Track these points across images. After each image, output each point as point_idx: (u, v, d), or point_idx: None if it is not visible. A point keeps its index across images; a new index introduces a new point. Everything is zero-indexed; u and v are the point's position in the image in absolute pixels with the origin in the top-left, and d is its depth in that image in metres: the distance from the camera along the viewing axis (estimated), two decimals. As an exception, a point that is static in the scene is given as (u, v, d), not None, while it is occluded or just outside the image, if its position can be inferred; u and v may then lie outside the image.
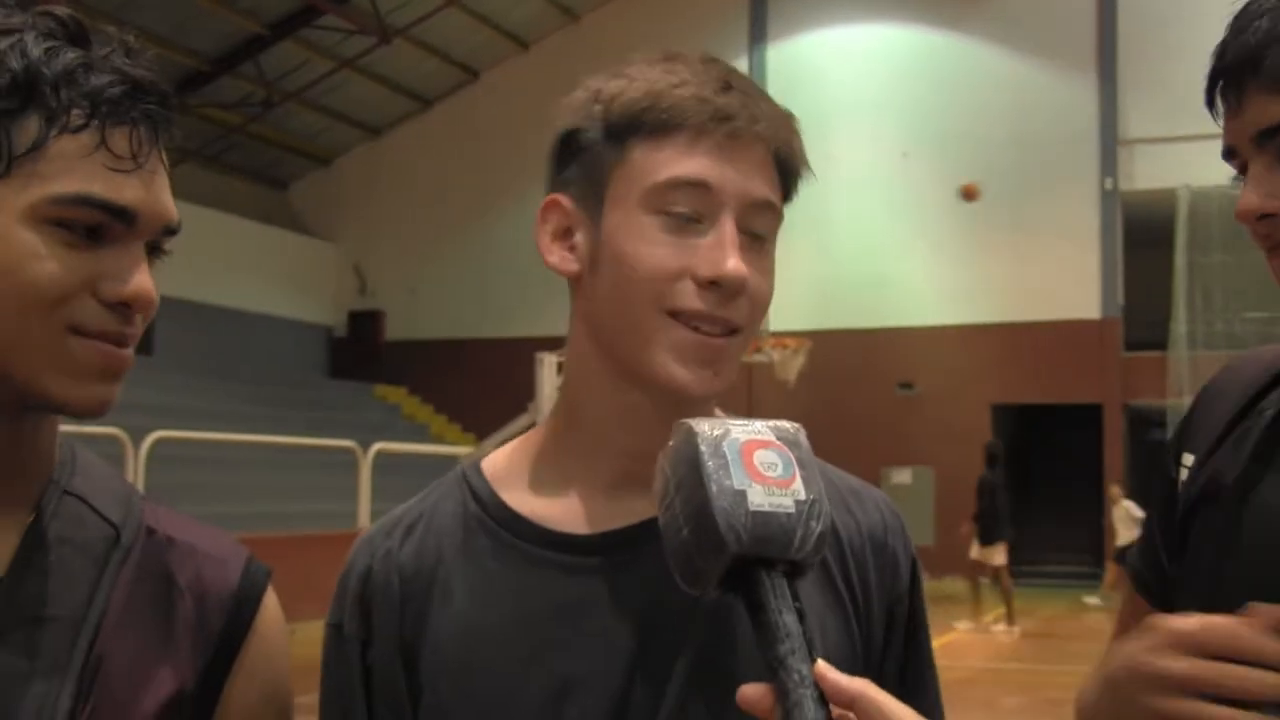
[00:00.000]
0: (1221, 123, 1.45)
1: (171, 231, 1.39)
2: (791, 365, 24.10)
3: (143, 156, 1.33)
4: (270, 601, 1.53)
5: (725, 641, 1.37)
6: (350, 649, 1.48)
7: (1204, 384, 1.64)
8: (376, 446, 18.91)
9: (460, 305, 28.60)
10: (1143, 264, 25.87)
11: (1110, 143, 25.65)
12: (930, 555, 25.60)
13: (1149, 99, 24.85)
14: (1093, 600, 22.51)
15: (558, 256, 1.46)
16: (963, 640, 16.84)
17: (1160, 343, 24.45)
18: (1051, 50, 25.97)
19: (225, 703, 1.46)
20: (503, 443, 1.52)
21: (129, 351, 1.38)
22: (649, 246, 1.38)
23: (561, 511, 1.46)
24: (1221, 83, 1.45)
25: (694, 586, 1.17)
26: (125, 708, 1.36)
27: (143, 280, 1.37)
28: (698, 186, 1.38)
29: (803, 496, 1.15)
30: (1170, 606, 1.54)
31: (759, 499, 1.13)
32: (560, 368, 19.02)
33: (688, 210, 1.38)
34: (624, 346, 1.41)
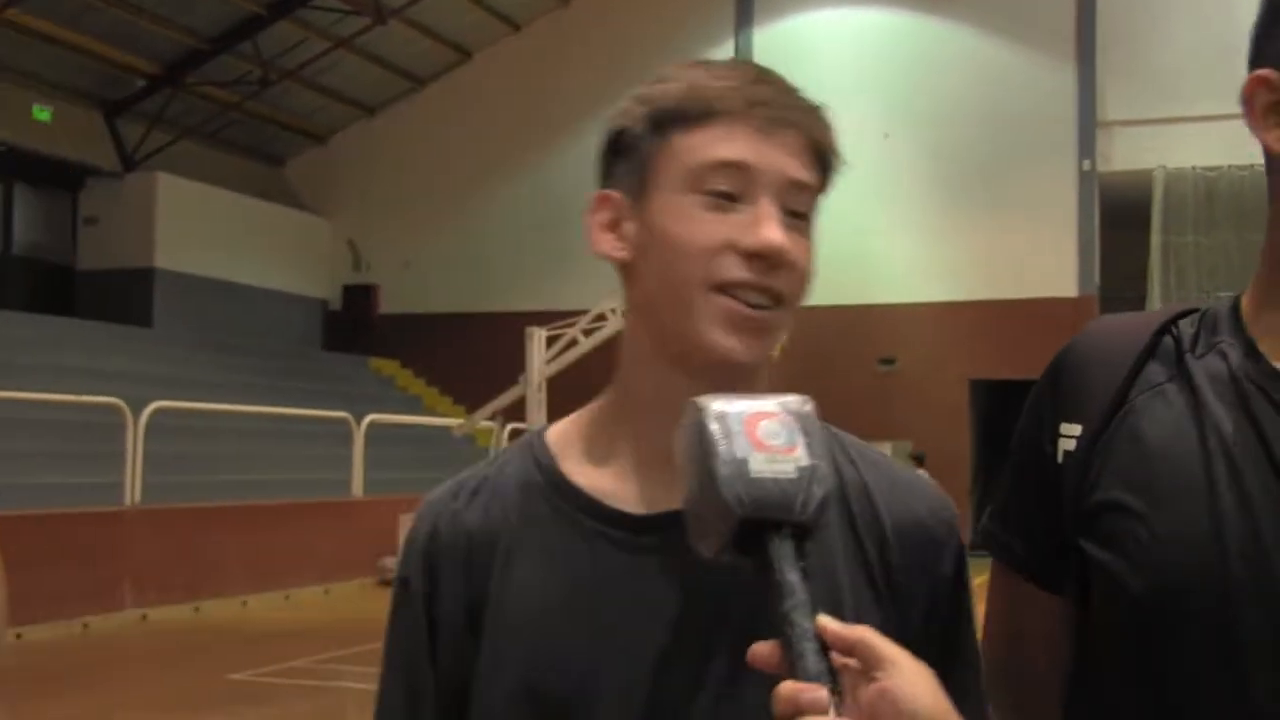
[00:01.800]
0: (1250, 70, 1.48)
1: None
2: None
3: None
4: None
5: (765, 620, 1.38)
6: (416, 602, 1.53)
7: (1059, 358, 1.62)
8: (370, 418, 18.95)
9: (452, 280, 28.57)
10: (1119, 243, 25.91)
11: (1088, 124, 25.65)
12: (909, 526, 25.69)
13: (1127, 82, 24.86)
14: None
15: (608, 244, 1.50)
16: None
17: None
18: (1030, 33, 25.95)
19: None
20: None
21: None
22: (691, 223, 1.42)
23: (617, 487, 1.49)
24: (1253, 45, 1.47)
25: (708, 550, 1.21)
26: None
27: None
28: (737, 167, 1.42)
29: (805, 463, 1.19)
30: (1077, 585, 1.53)
31: (759, 466, 1.18)
32: (550, 342, 19.02)
33: (728, 188, 1.42)
34: (674, 324, 1.44)
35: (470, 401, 24.45)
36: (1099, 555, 1.50)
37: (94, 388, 17.06)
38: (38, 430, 16.87)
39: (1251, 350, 1.49)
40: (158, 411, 16.31)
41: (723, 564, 1.22)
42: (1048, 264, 25.42)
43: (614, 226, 1.50)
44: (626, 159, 1.48)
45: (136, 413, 15.85)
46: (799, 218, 1.47)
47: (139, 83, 26.05)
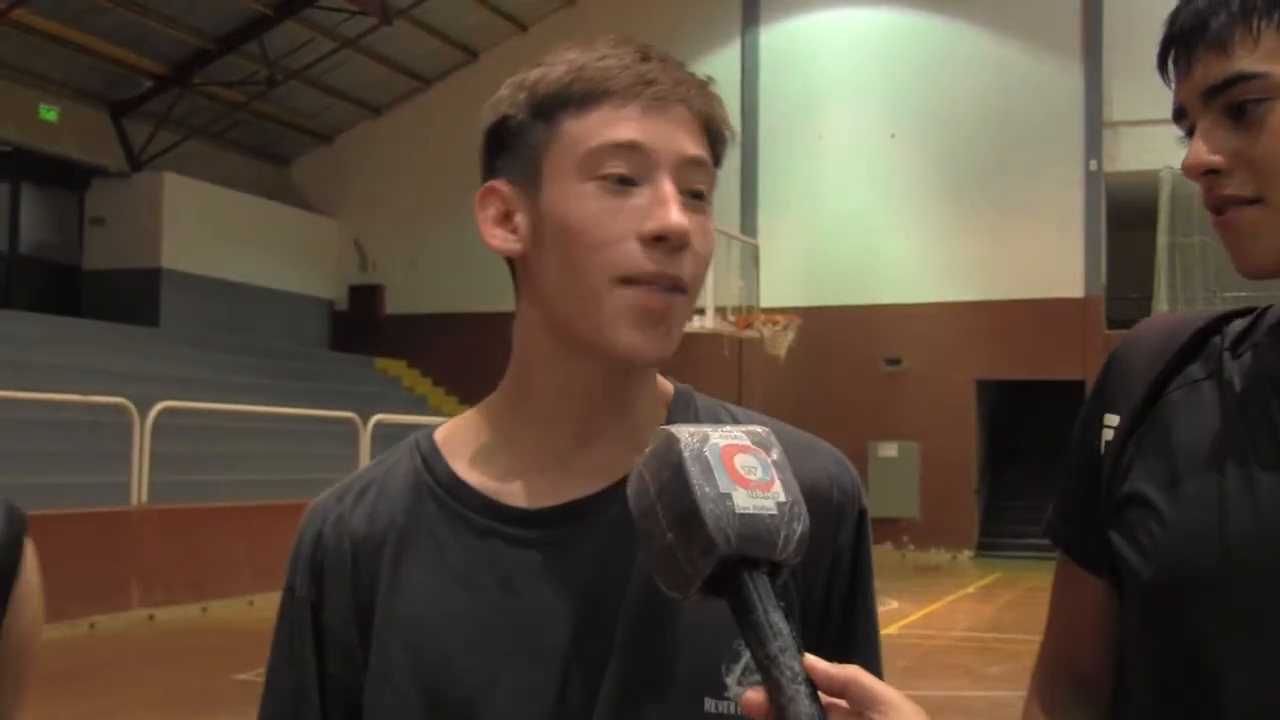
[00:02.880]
0: (1174, 87, 1.47)
1: None
2: (782, 341, 24.16)
3: None
4: (30, 541, 1.61)
5: (663, 615, 1.37)
6: (302, 610, 1.49)
7: (1112, 352, 1.64)
8: (376, 417, 18.92)
9: (458, 280, 28.54)
10: (1125, 244, 25.89)
11: (1095, 125, 25.63)
12: (915, 528, 25.67)
13: (1133, 82, 24.81)
14: None
15: (500, 239, 1.46)
16: (946, 610, 16.88)
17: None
18: (1037, 33, 25.93)
19: (4, 637, 1.54)
20: (522, 421, 1.53)
21: None
22: (590, 212, 1.38)
23: (509, 483, 1.46)
24: (1173, 50, 1.46)
25: (678, 589, 1.17)
26: None
27: None
28: (630, 148, 1.38)
29: (783, 499, 1.16)
30: (1113, 572, 1.55)
31: (743, 502, 1.14)
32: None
33: (624, 171, 1.38)
34: (576, 317, 1.40)
35: (475, 401, 24.29)
36: (1119, 545, 1.51)
37: (101, 387, 17.07)
38: (45, 430, 16.89)
39: None
40: (164, 411, 16.32)
41: (612, 573, 1.21)
42: (1054, 264, 25.38)
43: (504, 219, 1.46)
44: (512, 149, 1.45)
45: (143, 413, 15.86)
46: (698, 197, 1.41)
47: (146, 83, 26.07)
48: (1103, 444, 1.57)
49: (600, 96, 1.39)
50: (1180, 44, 1.45)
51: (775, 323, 24.24)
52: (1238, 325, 1.56)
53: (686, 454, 1.16)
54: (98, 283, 25.64)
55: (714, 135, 1.45)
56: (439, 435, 1.55)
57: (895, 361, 26.41)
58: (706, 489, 1.14)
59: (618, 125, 1.38)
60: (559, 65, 1.43)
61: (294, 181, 30.74)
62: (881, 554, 21.74)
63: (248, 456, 19.49)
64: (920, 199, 26.20)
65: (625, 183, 1.38)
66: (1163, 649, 1.46)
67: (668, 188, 1.38)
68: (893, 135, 26.46)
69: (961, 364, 25.70)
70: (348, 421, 19.04)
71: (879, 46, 26.87)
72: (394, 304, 30.21)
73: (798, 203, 26.76)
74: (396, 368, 29.44)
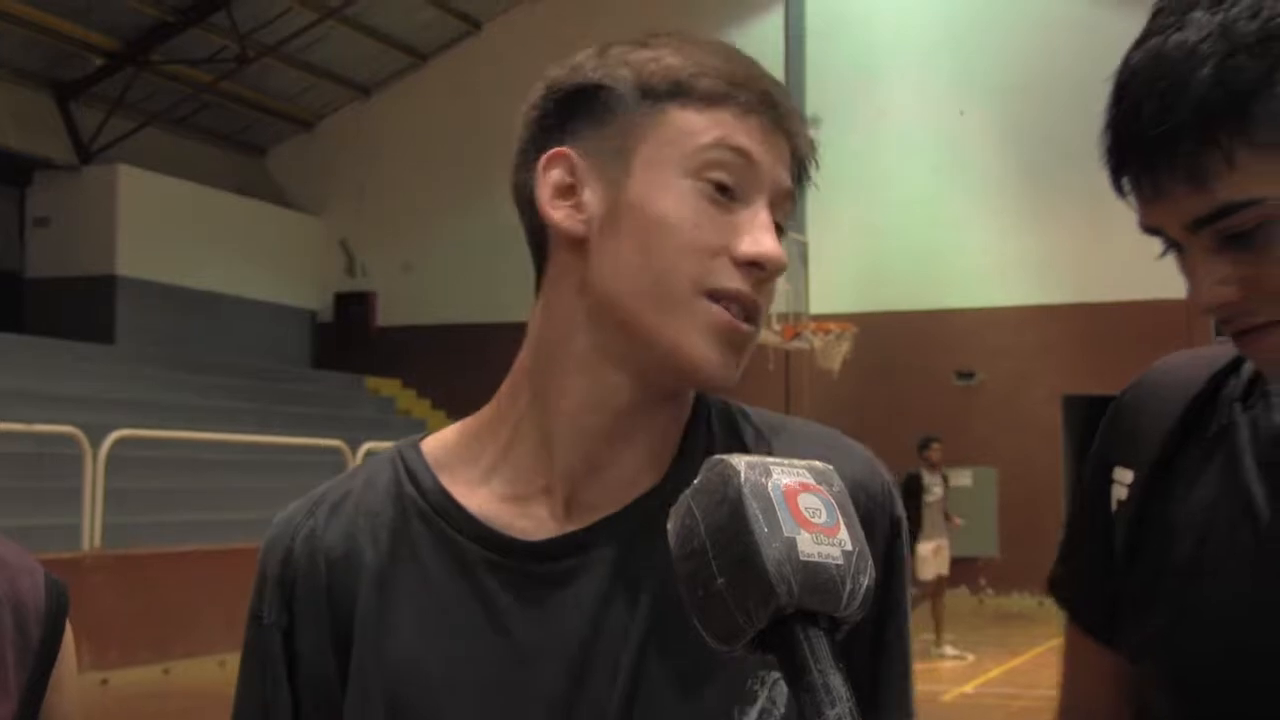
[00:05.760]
0: (1136, 203, 1.48)
1: None
2: (835, 352, 24.13)
3: None
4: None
5: (671, 659, 1.40)
6: (272, 640, 1.50)
7: (1123, 393, 1.69)
8: (367, 445, 18.95)
9: (461, 286, 28.61)
10: (1236, 236, 25.82)
11: (1199, 96, 25.56)
12: (994, 568, 25.59)
13: (1242, 48, 24.76)
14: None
15: (562, 213, 1.47)
16: (1031, 665, 16.83)
17: (1256, 326, 24.38)
18: (1130, -7, 25.89)
19: (46, 717, 1.59)
20: (529, 439, 1.55)
21: None
22: (689, 214, 1.42)
23: (508, 507, 1.48)
24: (1129, 171, 1.47)
25: (725, 642, 1.17)
26: None
27: None
28: (745, 159, 1.43)
29: (849, 547, 1.17)
30: (1122, 640, 1.60)
31: (809, 548, 1.15)
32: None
33: (729, 182, 1.42)
34: (649, 321, 1.42)
35: (482, 426, 24.44)
36: (1140, 628, 1.56)
37: (47, 414, 17.12)
38: (-17, 464, 16.96)
39: None
40: (121, 441, 16.36)
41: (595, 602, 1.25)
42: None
43: (567, 192, 1.47)
44: (600, 120, 1.47)
45: (96, 443, 15.91)
46: (779, 231, 1.47)
47: (96, 61, 26.18)
48: (1114, 501, 1.61)
49: (725, 98, 1.44)
50: (1136, 167, 1.45)
51: (827, 331, 24.21)
52: (1249, 369, 1.59)
53: (747, 490, 1.17)
54: (43, 293, 25.75)
55: (801, 172, 1.51)
56: (428, 446, 1.56)
57: (968, 375, 26.36)
58: (768, 531, 1.14)
59: (738, 133, 1.43)
60: (668, 54, 1.47)
61: (270, 174, 30.86)
62: (956, 600, 21.68)
63: (218, 492, 19.54)
64: (994, 186, 26.17)
65: (725, 193, 1.43)
66: None
67: (766, 215, 1.44)
68: (961, 113, 26.42)
69: (1046, 377, 25.64)
70: (334, 451, 19.08)
71: (944, 9, 26.85)
72: (387, 314, 30.28)
73: (852, 192, 26.73)
74: (390, 388, 29.51)
